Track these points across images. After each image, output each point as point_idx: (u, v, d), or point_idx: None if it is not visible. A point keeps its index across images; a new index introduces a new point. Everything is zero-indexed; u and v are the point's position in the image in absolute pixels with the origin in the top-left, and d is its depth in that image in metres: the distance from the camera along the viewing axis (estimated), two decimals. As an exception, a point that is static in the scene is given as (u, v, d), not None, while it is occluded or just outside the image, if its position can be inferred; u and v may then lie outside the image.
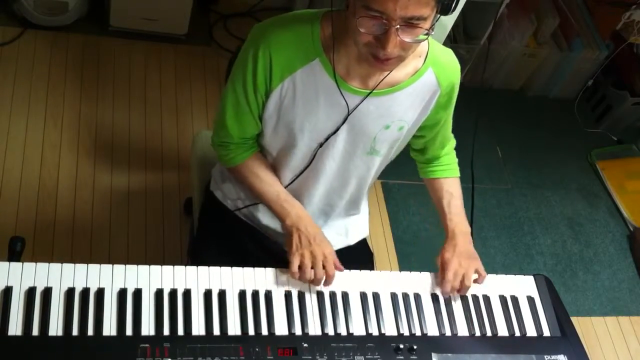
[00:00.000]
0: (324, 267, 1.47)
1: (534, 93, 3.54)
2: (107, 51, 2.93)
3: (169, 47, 3.02)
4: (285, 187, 1.61)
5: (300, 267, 1.46)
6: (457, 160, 1.75)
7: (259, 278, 1.46)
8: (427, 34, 1.25)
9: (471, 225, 1.68)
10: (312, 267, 1.46)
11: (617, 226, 3.16)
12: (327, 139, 1.50)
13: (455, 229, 1.62)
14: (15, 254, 1.54)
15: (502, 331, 1.53)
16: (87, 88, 2.79)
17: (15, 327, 1.27)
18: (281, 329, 1.40)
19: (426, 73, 1.46)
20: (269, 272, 1.48)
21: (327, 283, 1.48)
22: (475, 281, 1.57)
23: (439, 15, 1.26)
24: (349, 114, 1.46)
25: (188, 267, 1.44)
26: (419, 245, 2.77)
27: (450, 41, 3.05)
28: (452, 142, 1.75)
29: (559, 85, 3.51)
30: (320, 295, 1.47)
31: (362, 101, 1.44)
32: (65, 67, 2.82)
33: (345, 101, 1.43)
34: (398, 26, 1.22)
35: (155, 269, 1.41)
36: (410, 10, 1.20)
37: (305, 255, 1.47)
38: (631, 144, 3.49)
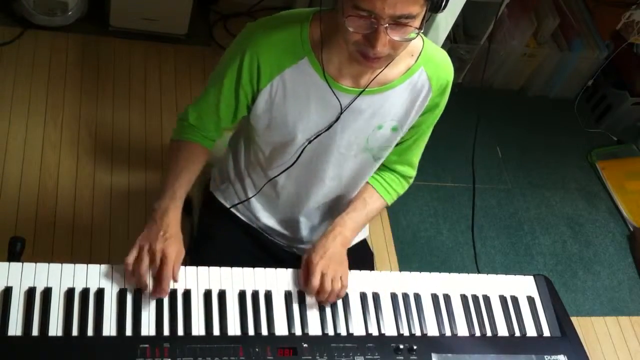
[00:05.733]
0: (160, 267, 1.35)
1: (534, 93, 3.54)
2: (107, 51, 2.93)
3: (169, 47, 3.02)
4: (270, 180, 1.61)
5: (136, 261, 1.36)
6: (401, 192, 1.68)
7: (258, 278, 1.46)
8: (417, 33, 1.25)
9: (472, 225, 1.66)
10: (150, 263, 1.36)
11: (617, 226, 3.16)
12: (316, 137, 1.50)
13: (337, 226, 1.54)
14: (15, 254, 1.53)
15: (502, 331, 1.53)
16: (87, 88, 2.79)
17: (15, 327, 1.27)
18: (281, 329, 1.40)
19: (418, 72, 1.46)
20: (269, 272, 1.48)
21: (157, 288, 1.34)
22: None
23: (430, 13, 1.26)
24: (341, 113, 1.46)
25: (188, 267, 1.43)
26: (419, 246, 2.77)
27: (450, 41, 3.04)
28: (412, 172, 1.67)
29: (559, 85, 3.51)
30: (320, 295, 1.47)
31: (354, 99, 1.44)
32: (65, 67, 2.82)
33: (338, 100, 1.43)
34: (387, 25, 1.21)
35: (155, 269, 1.41)
36: (399, 8, 1.19)
37: (145, 248, 1.36)
38: (631, 144, 3.49)
